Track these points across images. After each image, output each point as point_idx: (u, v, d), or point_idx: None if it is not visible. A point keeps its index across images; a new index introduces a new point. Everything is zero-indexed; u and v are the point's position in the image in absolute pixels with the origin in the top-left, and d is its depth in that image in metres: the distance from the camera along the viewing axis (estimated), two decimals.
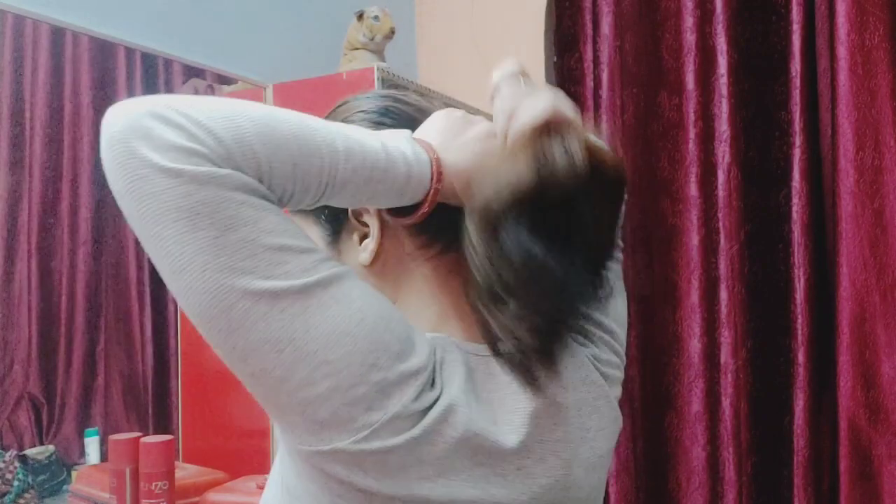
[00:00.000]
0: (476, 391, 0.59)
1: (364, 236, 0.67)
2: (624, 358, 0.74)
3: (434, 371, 0.57)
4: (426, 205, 0.61)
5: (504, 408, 0.60)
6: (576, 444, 0.64)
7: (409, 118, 0.69)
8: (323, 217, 0.69)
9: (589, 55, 2.04)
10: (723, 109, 1.81)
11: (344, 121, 0.69)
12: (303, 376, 0.52)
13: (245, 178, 0.51)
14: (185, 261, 0.50)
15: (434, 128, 0.65)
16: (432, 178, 0.60)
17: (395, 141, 0.59)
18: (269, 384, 0.52)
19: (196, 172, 0.49)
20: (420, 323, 0.62)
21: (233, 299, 0.50)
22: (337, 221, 0.69)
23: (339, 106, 0.73)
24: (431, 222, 0.63)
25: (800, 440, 1.71)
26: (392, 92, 0.75)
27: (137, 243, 0.52)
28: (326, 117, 0.70)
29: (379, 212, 0.66)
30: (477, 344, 0.63)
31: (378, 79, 1.77)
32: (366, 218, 0.67)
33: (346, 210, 0.67)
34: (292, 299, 0.51)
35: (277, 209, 0.53)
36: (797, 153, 1.74)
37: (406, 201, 0.60)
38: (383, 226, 0.66)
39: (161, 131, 0.50)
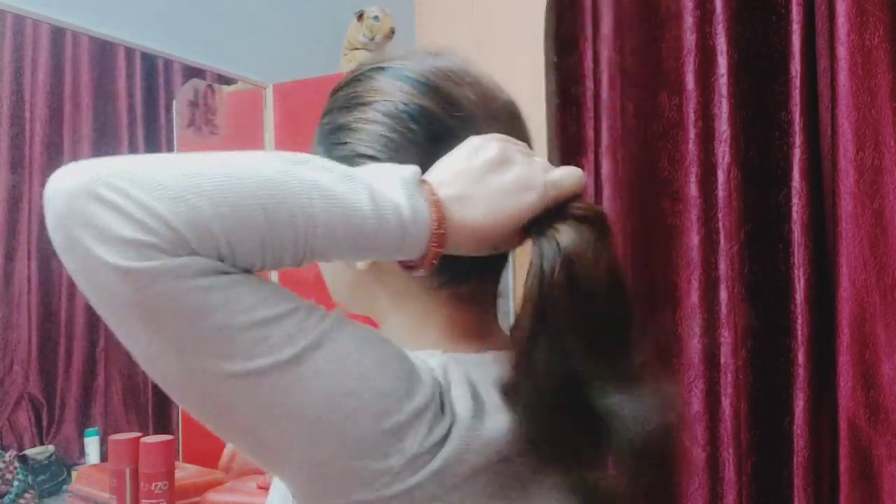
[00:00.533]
0: (483, 401, 0.56)
1: None
2: None
3: (441, 396, 0.53)
4: (421, 269, 0.53)
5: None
6: None
7: (442, 133, 0.59)
8: None
9: (589, 55, 2.04)
10: (723, 109, 1.81)
11: (356, 105, 0.61)
12: (306, 444, 0.48)
13: (204, 263, 0.45)
14: (154, 351, 0.46)
15: (454, 167, 0.54)
16: (430, 243, 0.52)
17: (392, 191, 0.50)
18: (269, 455, 0.50)
19: (146, 269, 0.44)
20: (415, 342, 0.59)
21: (215, 385, 0.47)
22: None
23: (368, 77, 0.63)
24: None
25: (800, 440, 1.71)
26: (444, 82, 0.61)
27: None
28: (346, 82, 0.64)
29: None
30: (474, 354, 0.60)
31: None
32: None
33: None
34: (281, 372, 0.47)
35: (247, 276, 0.48)
36: (797, 153, 1.73)
37: (401, 258, 0.53)
38: None
39: (104, 219, 0.44)
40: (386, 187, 0.50)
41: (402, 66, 0.62)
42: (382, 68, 0.62)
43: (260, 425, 0.48)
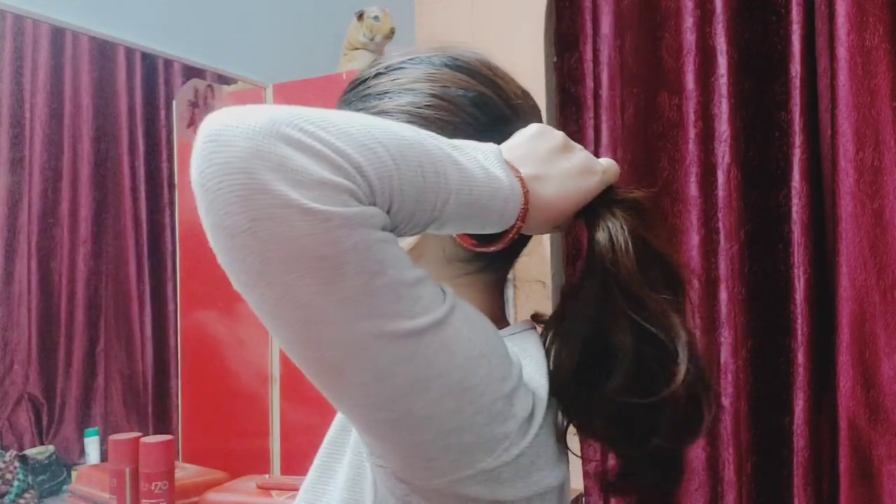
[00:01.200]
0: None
1: None
2: None
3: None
4: (501, 243, 0.54)
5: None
6: None
7: (501, 119, 0.61)
8: None
9: (589, 55, 2.04)
10: (723, 109, 1.81)
11: (402, 91, 0.61)
12: (448, 408, 0.48)
13: (382, 215, 0.44)
14: (326, 311, 0.43)
15: (526, 150, 0.56)
16: (517, 217, 0.52)
17: (492, 165, 0.50)
18: (411, 426, 0.48)
19: (348, 215, 0.41)
20: None
21: (381, 346, 0.45)
22: None
23: (410, 65, 0.63)
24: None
25: (800, 440, 1.71)
26: (493, 75, 0.64)
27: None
28: (378, 72, 0.63)
29: None
30: (507, 328, 0.63)
31: None
32: None
33: None
34: (433, 333, 0.46)
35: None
36: (797, 153, 1.74)
37: (492, 231, 0.54)
38: None
39: (300, 161, 0.41)
40: (489, 164, 0.50)
41: (450, 57, 0.63)
42: (424, 59, 0.63)
43: (413, 393, 0.46)
